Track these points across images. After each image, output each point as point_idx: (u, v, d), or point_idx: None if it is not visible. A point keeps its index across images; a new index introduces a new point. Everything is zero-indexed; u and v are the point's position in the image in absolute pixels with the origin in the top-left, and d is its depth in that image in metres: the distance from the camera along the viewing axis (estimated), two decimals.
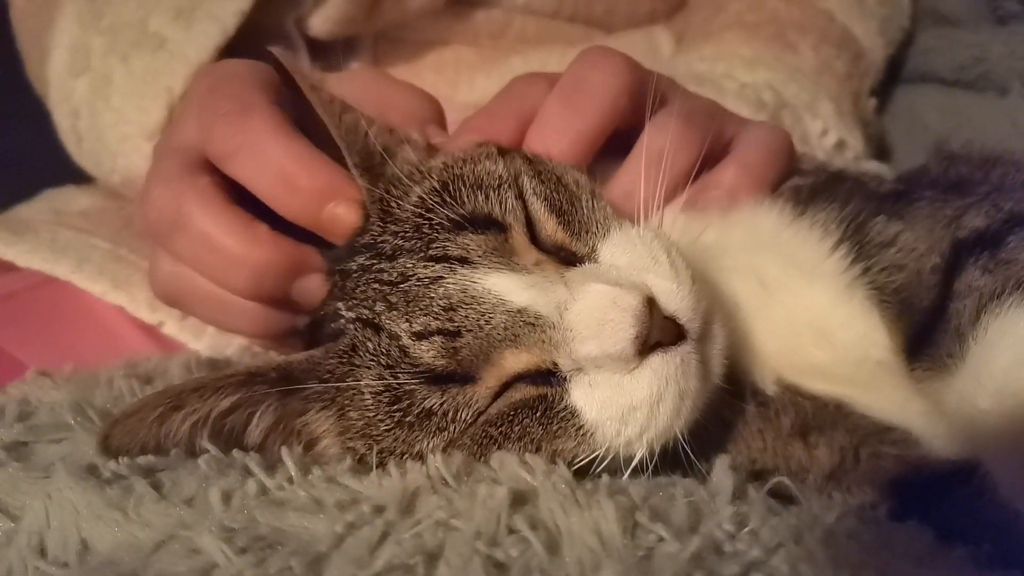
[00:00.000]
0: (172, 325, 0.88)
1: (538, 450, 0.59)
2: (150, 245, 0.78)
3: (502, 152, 0.69)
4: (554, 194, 0.65)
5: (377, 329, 0.61)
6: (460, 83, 1.15)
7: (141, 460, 0.56)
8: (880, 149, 1.16)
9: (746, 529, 0.47)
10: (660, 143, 0.70)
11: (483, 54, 1.15)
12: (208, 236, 0.68)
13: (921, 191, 0.72)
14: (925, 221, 0.67)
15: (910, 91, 1.23)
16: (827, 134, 1.02)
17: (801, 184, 0.75)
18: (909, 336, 0.64)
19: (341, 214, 0.67)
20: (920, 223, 0.67)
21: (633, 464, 0.58)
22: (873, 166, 1.03)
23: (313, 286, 0.69)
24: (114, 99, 0.93)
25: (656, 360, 0.57)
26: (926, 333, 0.62)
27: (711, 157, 0.74)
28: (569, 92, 0.71)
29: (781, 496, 0.57)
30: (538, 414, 0.59)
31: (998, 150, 0.80)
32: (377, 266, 0.63)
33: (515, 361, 0.59)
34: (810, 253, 0.68)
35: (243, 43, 0.94)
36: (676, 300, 0.59)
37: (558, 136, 0.70)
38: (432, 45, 1.15)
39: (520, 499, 0.50)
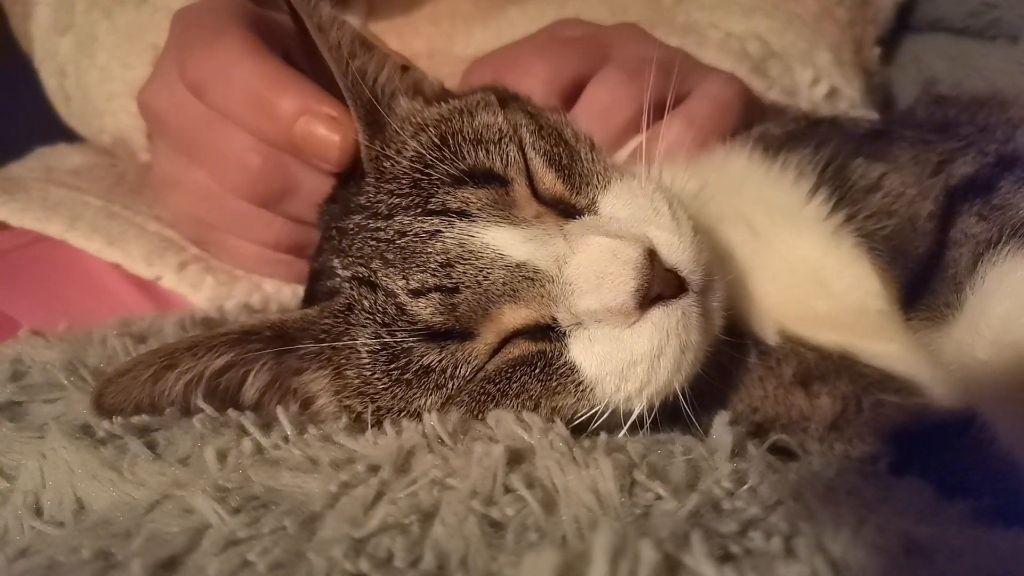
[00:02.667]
0: (170, 278, 0.87)
1: (537, 407, 0.58)
2: (157, 195, 0.78)
3: (503, 102, 0.68)
4: (554, 148, 0.64)
5: (373, 287, 0.60)
6: (457, 35, 1.12)
7: (135, 419, 0.56)
8: (885, 99, 1.14)
9: (745, 486, 0.47)
10: (600, 98, 0.73)
11: (480, 5, 1.12)
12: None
13: (902, 130, 0.71)
14: (911, 165, 0.66)
15: (918, 40, 1.20)
16: (818, 83, 1.00)
17: (775, 133, 0.74)
18: (903, 285, 0.63)
19: (314, 131, 0.64)
20: (906, 166, 0.66)
21: (631, 419, 0.58)
22: (864, 114, 1.01)
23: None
24: (99, 56, 0.91)
25: (657, 313, 0.57)
26: (922, 282, 0.61)
27: (677, 104, 0.74)
28: None
29: (781, 451, 0.56)
30: (537, 370, 0.58)
31: (987, 92, 0.79)
32: (373, 225, 0.62)
33: (514, 316, 0.58)
34: (787, 197, 0.68)
35: None
36: (678, 252, 0.58)
37: None
38: None
39: (517, 457, 0.50)
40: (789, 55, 0.98)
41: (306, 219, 0.74)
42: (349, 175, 0.69)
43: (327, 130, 0.64)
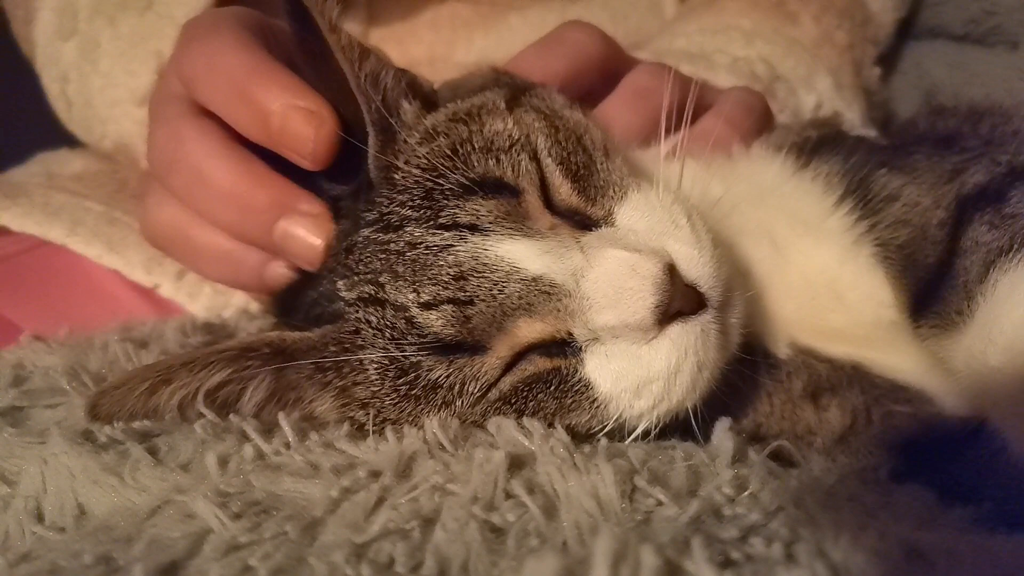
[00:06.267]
0: (168, 287, 0.88)
1: (551, 425, 0.57)
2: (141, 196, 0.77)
3: (511, 105, 0.66)
4: (571, 156, 0.62)
5: (381, 303, 0.59)
6: (457, 42, 1.12)
7: (137, 425, 0.56)
8: (886, 116, 1.14)
9: (746, 492, 0.47)
10: (643, 80, 0.74)
11: (480, 11, 1.12)
12: (199, 169, 0.66)
13: (915, 145, 0.71)
14: (926, 175, 0.67)
15: (919, 47, 1.20)
16: (821, 108, 1.01)
17: (809, 135, 0.74)
18: (914, 293, 0.63)
19: (292, 125, 0.62)
20: (922, 177, 0.66)
21: (636, 434, 0.58)
22: (868, 134, 1.01)
23: (297, 231, 0.65)
24: (102, 63, 0.91)
25: (676, 330, 0.56)
26: (932, 290, 0.61)
27: (694, 118, 0.74)
28: (548, 42, 0.78)
29: (782, 459, 0.56)
30: (552, 387, 0.57)
31: (986, 102, 0.79)
32: (383, 237, 0.60)
33: (529, 330, 0.57)
34: (813, 208, 0.67)
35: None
36: (698, 267, 0.57)
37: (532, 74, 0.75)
38: (428, 2, 1.13)
39: (517, 463, 0.50)
40: (792, 79, 0.99)
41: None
42: (358, 189, 0.66)
43: (304, 124, 0.62)
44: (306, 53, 0.65)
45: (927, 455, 0.60)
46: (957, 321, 0.59)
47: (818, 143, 0.72)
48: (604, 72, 0.79)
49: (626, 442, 0.57)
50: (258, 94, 0.63)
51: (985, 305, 0.57)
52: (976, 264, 0.59)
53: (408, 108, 0.66)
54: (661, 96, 0.70)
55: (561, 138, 0.63)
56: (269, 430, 0.57)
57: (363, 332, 0.59)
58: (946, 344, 0.60)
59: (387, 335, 0.58)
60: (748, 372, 0.65)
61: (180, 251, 0.74)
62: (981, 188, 0.64)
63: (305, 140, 0.62)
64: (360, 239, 0.62)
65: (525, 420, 0.55)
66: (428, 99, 0.69)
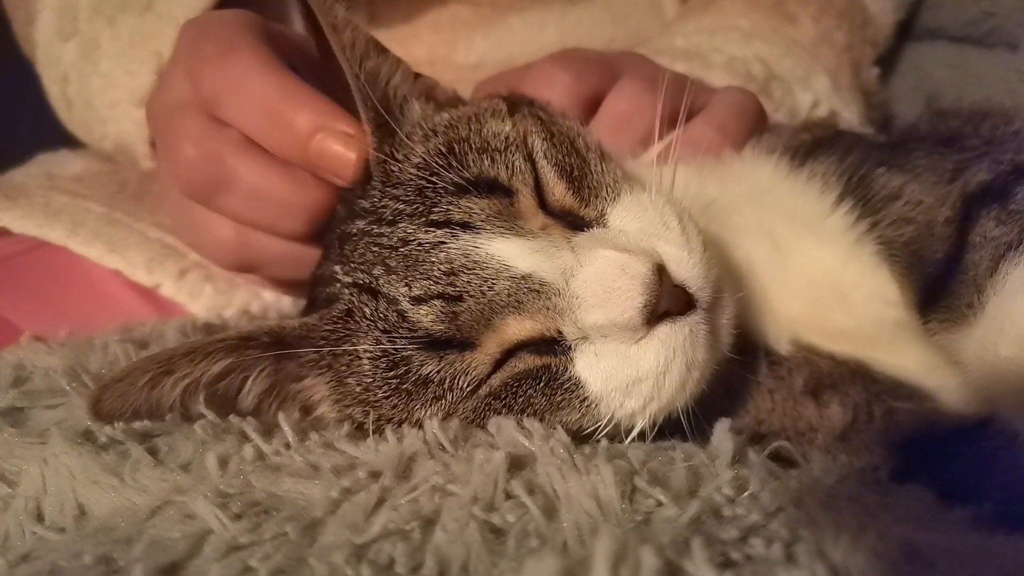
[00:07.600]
0: (169, 286, 0.88)
1: (541, 422, 0.57)
2: (182, 212, 0.78)
3: (512, 108, 0.67)
4: (566, 158, 0.63)
5: (374, 293, 0.60)
6: (458, 43, 1.13)
7: (137, 425, 0.56)
8: (885, 117, 1.14)
9: (746, 493, 0.47)
10: (621, 106, 0.73)
11: (481, 12, 1.12)
12: (258, 188, 0.68)
13: (914, 144, 0.72)
14: (927, 173, 0.67)
15: (918, 48, 1.20)
16: (818, 106, 1.01)
17: (803, 139, 0.74)
18: (921, 288, 0.64)
19: (330, 148, 0.65)
20: (923, 175, 0.67)
21: (633, 435, 0.58)
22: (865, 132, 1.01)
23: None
24: (102, 64, 0.91)
25: (664, 330, 0.56)
26: (941, 285, 0.62)
27: (694, 115, 0.75)
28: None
29: (782, 459, 0.56)
30: (541, 385, 0.58)
31: (987, 103, 0.80)
32: (376, 231, 0.62)
33: (518, 328, 0.58)
34: (812, 208, 0.68)
35: (235, 5, 0.92)
36: (687, 268, 0.57)
37: None
38: (429, 3, 1.13)
39: (518, 464, 0.50)
40: (789, 79, 0.99)
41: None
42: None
43: (342, 147, 0.65)
44: (321, 52, 0.68)
45: (927, 454, 0.60)
46: (967, 314, 0.59)
47: (813, 146, 0.72)
48: (584, 101, 0.78)
49: (625, 443, 0.57)
50: (295, 119, 0.65)
51: (996, 298, 0.58)
52: (985, 259, 0.60)
53: (417, 107, 0.68)
54: (640, 118, 0.72)
55: (556, 141, 0.64)
56: (269, 430, 0.57)
57: (358, 318, 0.60)
58: (955, 337, 0.60)
59: (380, 327, 0.59)
60: (746, 374, 0.66)
61: (255, 265, 0.77)
62: (986, 186, 0.64)
63: (347, 163, 0.65)
64: (354, 230, 0.63)
65: (525, 421, 0.55)
66: (446, 103, 0.71)
